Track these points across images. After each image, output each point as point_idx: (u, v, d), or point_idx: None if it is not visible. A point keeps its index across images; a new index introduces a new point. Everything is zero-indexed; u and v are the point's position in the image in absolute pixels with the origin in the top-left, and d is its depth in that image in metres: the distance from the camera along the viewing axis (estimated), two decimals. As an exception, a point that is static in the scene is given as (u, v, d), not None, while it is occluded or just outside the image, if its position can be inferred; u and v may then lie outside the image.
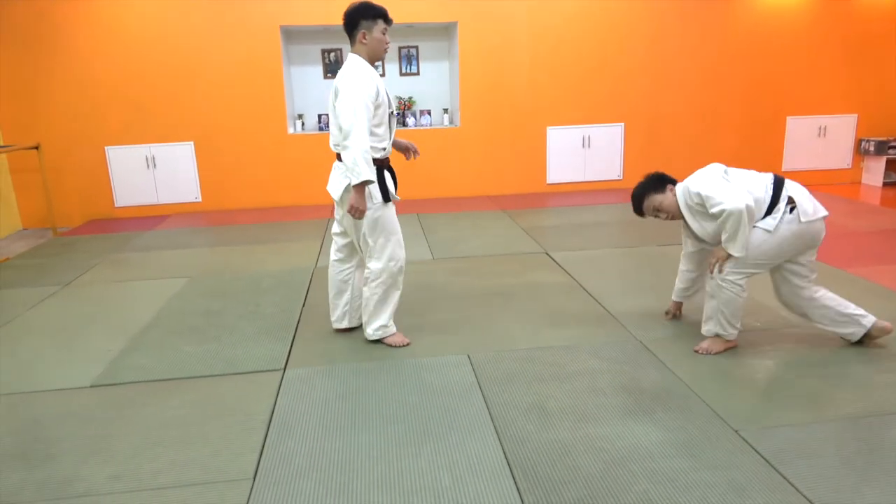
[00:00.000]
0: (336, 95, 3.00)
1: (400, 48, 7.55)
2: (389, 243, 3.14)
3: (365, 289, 3.25)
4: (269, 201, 7.31)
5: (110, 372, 3.13)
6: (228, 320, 3.79)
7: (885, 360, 2.97)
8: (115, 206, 7.09)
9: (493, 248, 5.21)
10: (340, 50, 7.49)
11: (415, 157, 3.46)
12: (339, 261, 3.38)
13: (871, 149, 7.75)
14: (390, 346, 3.29)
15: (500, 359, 3.12)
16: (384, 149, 3.10)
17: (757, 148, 7.85)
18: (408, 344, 3.30)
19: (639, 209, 3.19)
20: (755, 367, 2.95)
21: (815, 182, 7.92)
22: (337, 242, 3.36)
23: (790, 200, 2.89)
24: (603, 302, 3.86)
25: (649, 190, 3.12)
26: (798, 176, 7.91)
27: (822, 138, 7.92)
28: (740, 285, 2.95)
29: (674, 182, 3.13)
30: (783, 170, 7.91)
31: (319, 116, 7.56)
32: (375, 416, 2.63)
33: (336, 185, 3.13)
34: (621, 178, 7.77)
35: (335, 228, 3.35)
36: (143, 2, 6.64)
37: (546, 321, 3.61)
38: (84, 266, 5.11)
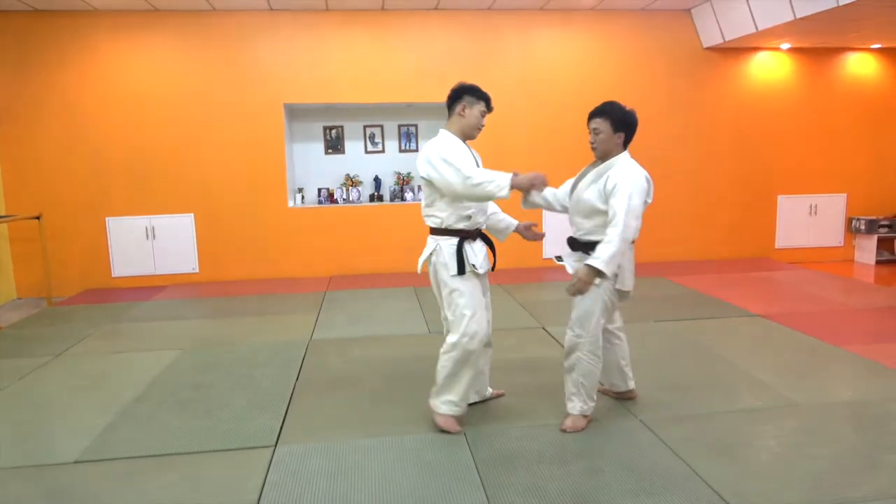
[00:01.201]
0: (422, 163, 3.09)
1: (400, 126, 7.78)
2: (465, 318, 3.03)
3: (439, 361, 3.12)
4: (266, 273, 7.33)
5: (96, 447, 3.05)
6: (220, 393, 3.72)
7: (891, 436, 2.91)
8: (112, 276, 7.08)
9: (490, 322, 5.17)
10: (342, 127, 7.70)
11: (535, 237, 3.57)
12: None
13: (862, 227, 7.87)
14: (442, 427, 3.10)
15: (499, 437, 3.05)
16: (469, 217, 3.09)
17: (750, 226, 7.96)
18: (459, 432, 3.10)
19: (595, 117, 3.08)
20: (757, 447, 2.89)
21: (809, 259, 8.01)
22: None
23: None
24: (601, 378, 3.80)
25: (614, 124, 3.02)
26: (792, 253, 8.00)
27: (813, 216, 8.05)
28: (597, 356, 3.09)
29: (626, 145, 3.08)
30: (777, 247, 8.01)
31: (319, 190, 7.69)
32: (369, 500, 2.54)
33: (422, 257, 3.15)
34: (617, 253, 7.81)
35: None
36: (149, 75, 6.88)
37: (544, 398, 3.55)
38: (77, 337, 5.06)
